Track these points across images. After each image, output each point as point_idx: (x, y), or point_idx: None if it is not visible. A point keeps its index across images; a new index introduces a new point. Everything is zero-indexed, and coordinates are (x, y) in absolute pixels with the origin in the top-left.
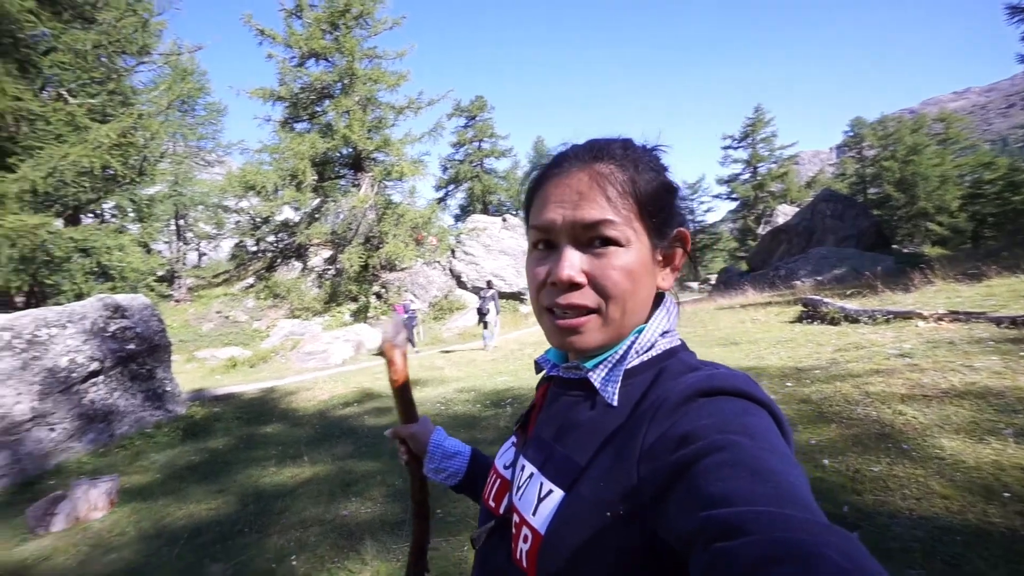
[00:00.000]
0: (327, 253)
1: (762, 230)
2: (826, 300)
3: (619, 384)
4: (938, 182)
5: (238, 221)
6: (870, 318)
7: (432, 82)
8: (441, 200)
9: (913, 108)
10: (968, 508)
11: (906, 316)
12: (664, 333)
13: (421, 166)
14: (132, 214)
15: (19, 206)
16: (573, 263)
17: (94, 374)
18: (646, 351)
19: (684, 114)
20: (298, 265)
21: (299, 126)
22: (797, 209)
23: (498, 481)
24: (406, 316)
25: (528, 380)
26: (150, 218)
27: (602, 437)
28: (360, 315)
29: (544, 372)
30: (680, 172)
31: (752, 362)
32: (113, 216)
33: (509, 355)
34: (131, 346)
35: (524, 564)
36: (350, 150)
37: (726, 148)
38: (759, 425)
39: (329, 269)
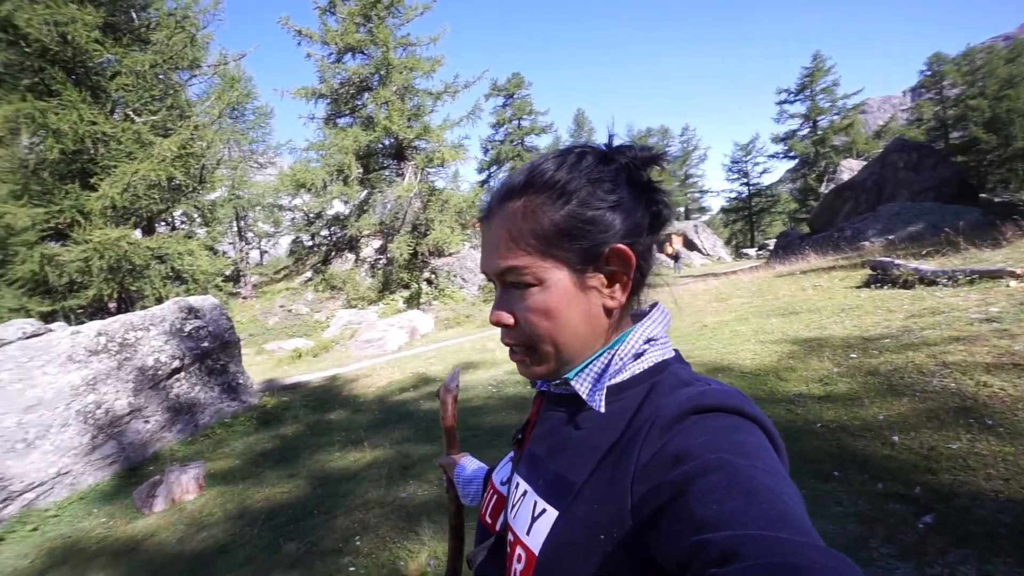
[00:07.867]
0: (377, 243)
1: (824, 188)
2: (898, 261)
3: (604, 392)
4: None
5: (293, 218)
6: (950, 279)
7: (467, 62)
8: (484, 183)
9: (1009, 34)
10: None
11: (994, 276)
12: (650, 340)
13: (462, 150)
14: (198, 220)
15: (103, 221)
16: (499, 307)
17: (176, 371)
18: (633, 359)
19: (736, 71)
20: (351, 256)
21: (341, 121)
22: (864, 163)
23: (495, 497)
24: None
25: None
26: (214, 222)
27: (595, 455)
28: (413, 302)
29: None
30: (733, 134)
31: (813, 332)
32: (182, 223)
33: None
34: (205, 344)
35: None
36: (392, 140)
37: (781, 103)
38: (752, 443)
39: (380, 259)
